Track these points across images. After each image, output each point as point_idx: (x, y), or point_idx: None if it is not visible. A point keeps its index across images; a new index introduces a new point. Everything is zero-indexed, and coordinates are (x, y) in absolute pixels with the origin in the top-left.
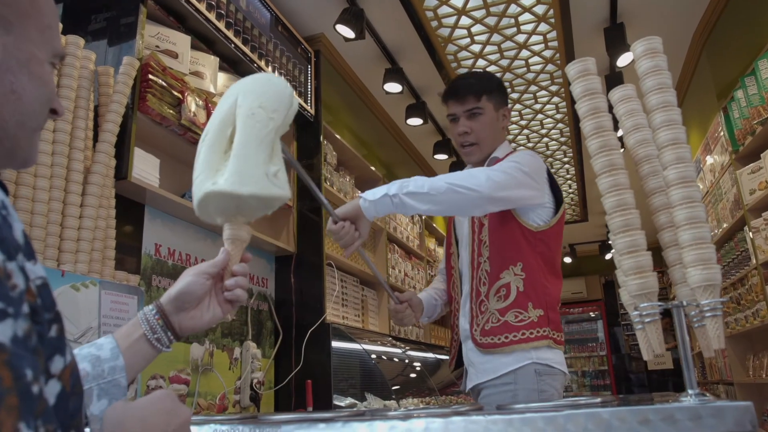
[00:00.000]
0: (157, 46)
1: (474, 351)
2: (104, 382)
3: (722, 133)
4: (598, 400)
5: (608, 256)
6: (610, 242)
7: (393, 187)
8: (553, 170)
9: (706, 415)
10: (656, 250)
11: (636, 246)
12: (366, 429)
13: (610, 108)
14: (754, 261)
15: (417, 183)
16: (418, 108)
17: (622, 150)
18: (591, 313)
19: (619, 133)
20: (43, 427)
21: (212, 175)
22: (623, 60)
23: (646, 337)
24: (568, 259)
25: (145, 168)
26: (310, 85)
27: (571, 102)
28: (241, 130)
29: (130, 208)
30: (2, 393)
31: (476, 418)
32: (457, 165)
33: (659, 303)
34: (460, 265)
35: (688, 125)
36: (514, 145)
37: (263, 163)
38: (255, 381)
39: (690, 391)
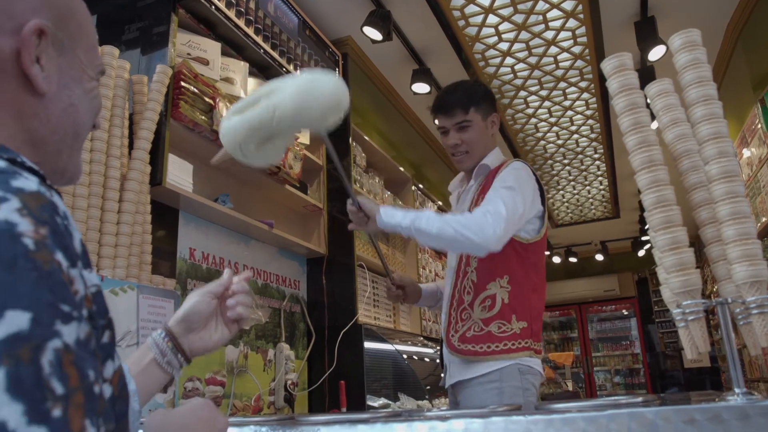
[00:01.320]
0: (189, 54)
1: (449, 354)
2: None
3: (759, 126)
4: (640, 399)
5: (641, 253)
6: (644, 238)
7: (407, 219)
8: (583, 167)
9: (755, 414)
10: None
11: (678, 243)
12: (405, 429)
13: (647, 104)
14: None
15: (428, 221)
16: None
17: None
18: (624, 311)
19: (654, 125)
20: (104, 426)
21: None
22: (655, 54)
23: (690, 335)
24: (599, 257)
25: (179, 174)
26: None
27: (602, 98)
28: None
29: (165, 213)
30: (70, 391)
31: (516, 419)
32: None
33: (703, 300)
34: (449, 265)
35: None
36: (504, 157)
37: None
38: (289, 382)
39: (737, 390)
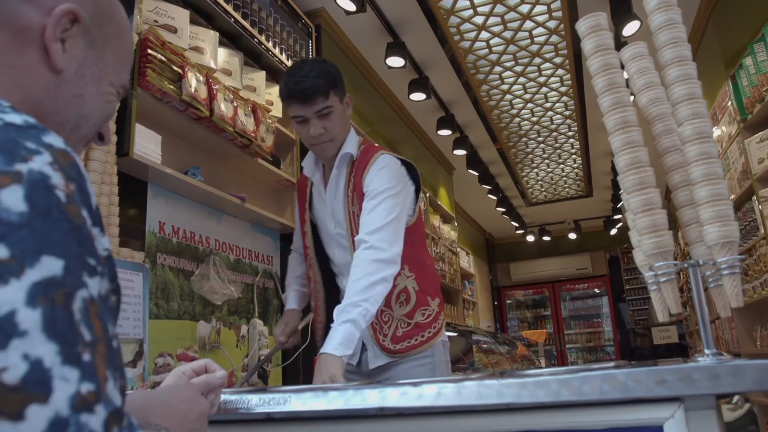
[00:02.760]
0: (156, 21)
1: (381, 353)
2: None
3: (730, 103)
4: (611, 364)
5: (613, 232)
6: (617, 217)
7: (356, 324)
8: (557, 145)
9: (725, 374)
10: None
11: (651, 204)
12: (377, 395)
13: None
14: (763, 231)
15: (371, 303)
16: (420, 83)
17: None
18: (596, 289)
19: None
20: (119, 380)
21: None
22: (629, 29)
23: (662, 297)
24: (572, 236)
25: (147, 144)
26: None
27: (576, 74)
28: None
29: (133, 186)
30: (95, 340)
31: (489, 383)
32: (460, 142)
33: (675, 262)
34: (335, 268)
35: None
36: (359, 137)
37: None
38: (262, 357)
39: (707, 351)
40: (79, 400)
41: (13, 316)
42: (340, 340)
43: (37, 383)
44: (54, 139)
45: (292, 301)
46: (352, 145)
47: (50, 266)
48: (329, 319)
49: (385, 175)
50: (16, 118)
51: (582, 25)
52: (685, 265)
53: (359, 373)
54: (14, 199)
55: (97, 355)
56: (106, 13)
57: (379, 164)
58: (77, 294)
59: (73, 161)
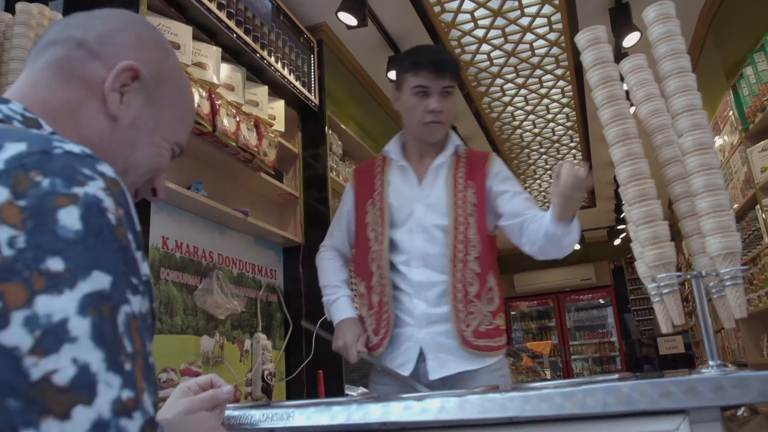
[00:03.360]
0: None
1: (458, 349)
2: None
3: (731, 113)
4: (616, 376)
5: (617, 242)
6: (620, 227)
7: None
8: (559, 156)
9: (729, 385)
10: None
11: (653, 216)
12: (381, 410)
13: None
14: (767, 240)
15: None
16: None
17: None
18: (600, 300)
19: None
20: (153, 394)
21: None
22: (629, 41)
23: (665, 308)
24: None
25: None
26: (314, 74)
27: (577, 86)
28: None
29: (135, 201)
30: (135, 353)
31: (492, 396)
32: None
33: (678, 273)
34: (413, 249)
35: None
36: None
37: None
38: (266, 372)
39: (711, 362)
40: (120, 405)
41: (66, 323)
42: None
43: (83, 386)
44: (107, 169)
45: (347, 308)
46: (458, 140)
47: (100, 281)
48: (394, 322)
49: (509, 170)
50: (75, 148)
51: (581, 39)
52: (688, 276)
53: (415, 385)
54: (71, 218)
55: (137, 367)
56: (166, 74)
57: (499, 159)
58: (122, 308)
59: (122, 189)
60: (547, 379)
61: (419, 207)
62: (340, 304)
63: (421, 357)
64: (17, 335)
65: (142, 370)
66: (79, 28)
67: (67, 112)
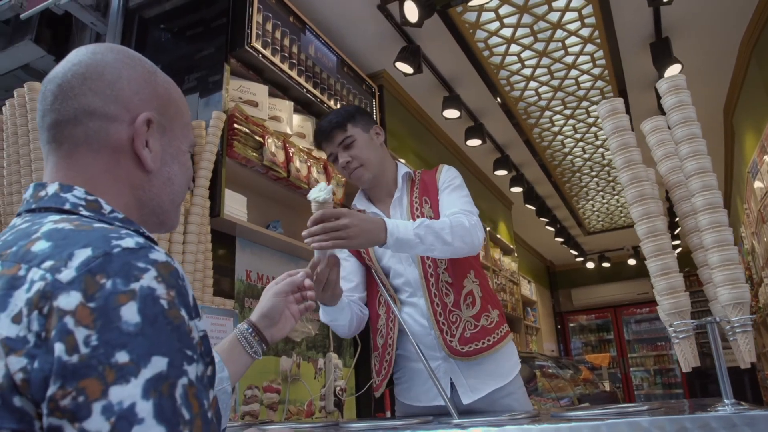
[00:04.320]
0: (240, 97)
1: (454, 364)
2: (216, 390)
3: None
4: (645, 407)
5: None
6: (675, 243)
7: (414, 225)
8: (610, 178)
9: (741, 423)
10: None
11: (668, 268)
12: None
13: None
14: None
15: (439, 224)
16: (476, 130)
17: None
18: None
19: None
20: None
21: None
22: (671, 72)
23: (682, 350)
24: (632, 261)
25: (235, 205)
26: (376, 116)
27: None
28: None
29: (224, 241)
30: (193, 417)
31: (528, 427)
32: (516, 180)
33: (692, 321)
34: (398, 282)
35: (742, 128)
36: (401, 161)
37: None
38: (338, 388)
39: (726, 401)
40: None
41: (134, 407)
42: (403, 224)
43: None
44: (158, 255)
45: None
46: (406, 169)
47: (158, 364)
48: (400, 364)
49: (456, 174)
50: (130, 242)
51: (602, 109)
52: (703, 322)
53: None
54: (131, 313)
55: (195, 428)
56: (165, 99)
57: (448, 168)
58: (178, 383)
59: (173, 269)
60: (606, 391)
61: None
62: None
63: (453, 386)
64: (98, 423)
65: (200, 429)
66: (79, 96)
67: (110, 181)
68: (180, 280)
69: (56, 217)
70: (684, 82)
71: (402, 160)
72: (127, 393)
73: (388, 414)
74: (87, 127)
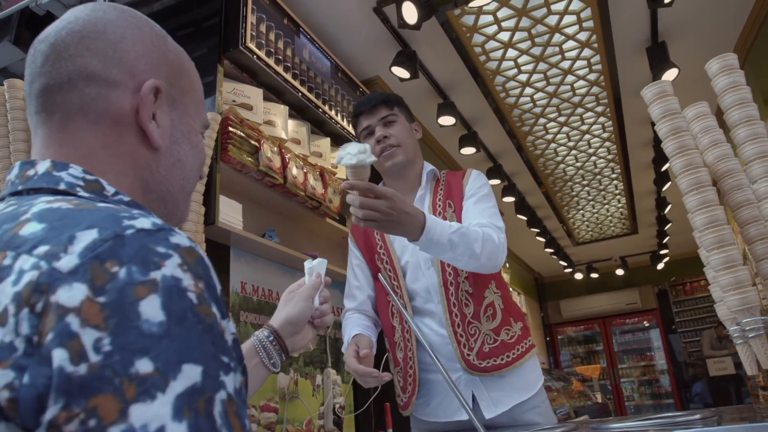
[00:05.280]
0: (234, 101)
1: (477, 377)
2: None
3: None
4: (697, 416)
5: (660, 266)
6: (663, 252)
7: (449, 227)
8: (601, 187)
9: None
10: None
11: (733, 261)
12: None
13: None
14: None
15: (471, 230)
16: (470, 138)
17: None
18: (646, 323)
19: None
20: None
21: None
22: (668, 77)
23: (750, 351)
24: (620, 272)
25: (230, 213)
26: None
27: (617, 121)
28: None
29: (218, 250)
30: None
31: None
32: (508, 190)
33: (763, 318)
34: (414, 286)
35: None
36: (432, 166)
37: None
38: (337, 406)
39: None
40: None
41: (163, 431)
42: (441, 224)
43: None
44: (180, 239)
45: (356, 330)
46: (431, 167)
47: (191, 374)
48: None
49: (486, 183)
50: (146, 223)
51: (647, 93)
52: None
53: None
54: (153, 309)
55: None
56: (176, 67)
57: (478, 174)
58: (216, 398)
59: (199, 257)
60: (598, 402)
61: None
62: (349, 336)
63: (475, 400)
64: None
65: None
66: (75, 57)
67: (111, 158)
68: (208, 270)
69: (50, 197)
70: (736, 61)
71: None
72: (154, 413)
73: (390, 431)
74: (83, 92)
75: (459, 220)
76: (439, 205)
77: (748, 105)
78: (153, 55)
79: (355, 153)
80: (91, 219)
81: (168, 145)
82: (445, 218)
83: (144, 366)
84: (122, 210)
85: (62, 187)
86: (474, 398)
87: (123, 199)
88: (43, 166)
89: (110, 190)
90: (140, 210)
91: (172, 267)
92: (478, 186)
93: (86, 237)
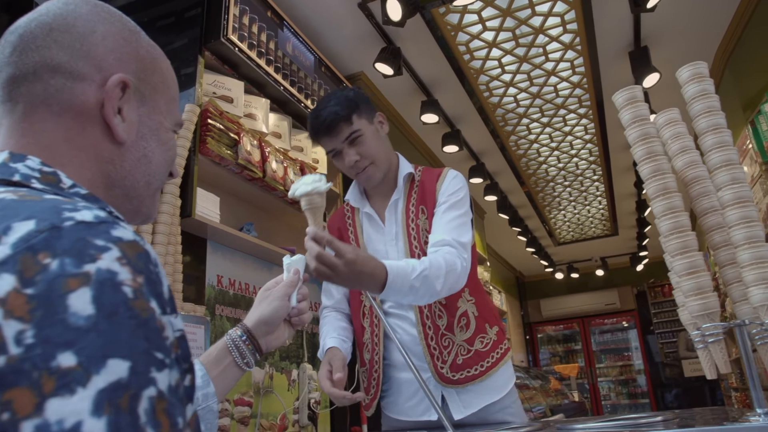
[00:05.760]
0: (214, 93)
1: (445, 388)
2: (200, 409)
3: (750, 146)
4: (659, 418)
5: (639, 268)
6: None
7: (412, 275)
8: (583, 188)
9: None
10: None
11: (695, 267)
12: None
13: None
14: None
15: (435, 271)
16: (453, 136)
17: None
18: (624, 323)
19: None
20: None
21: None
22: (649, 81)
23: (710, 356)
24: (600, 272)
25: (207, 206)
26: None
27: (599, 123)
28: None
29: (194, 243)
30: None
31: None
32: (491, 188)
33: (722, 323)
34: (388, 308)
35: None
36: (400, 155)
37: None
38: (312, 401)
39: (759, 410)
40: None
41: (79, 427)
42: (402, 275)
43: None
44: (123, 232)
45: (331, 341)
46: (408, 166)
47: (116, 369)
48: (387, 375)
49: (460, 189)
50: (87, 215)
51: (619, 98)
52: (732, 325)
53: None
54: (82, 302)
55: None
56: (148, 64)
57: (452, 176)
58: (143, 394)
59: (142, 251)
60: (575, 401)
61: (391, 250)
62: (324, 342)
63: (444, 401)
64: None
65: None
66: (42, 48)
67: (72, 151)
68: (151, 264)
69: (0, 189)
70: (707, 69)
71: None
72: (72, 408)
73: (365, 428)
74: (48, 84)
75: (431, 226)
76: (412, 212)
77: (716, 113)
78: (123, 50)
79: (309, 182)
80: (31, 210)
81: (134, 140)
82: (417, 226)
83: (66, 360)
84: (67, 202)
85: (16, 178)
86: (444, 399)
87: (79, 192)
88: (0, 157)
89: (67, 182)
90: (96, 203)
91: (109, 260)
92: (451, 191)
93: (22, 228)
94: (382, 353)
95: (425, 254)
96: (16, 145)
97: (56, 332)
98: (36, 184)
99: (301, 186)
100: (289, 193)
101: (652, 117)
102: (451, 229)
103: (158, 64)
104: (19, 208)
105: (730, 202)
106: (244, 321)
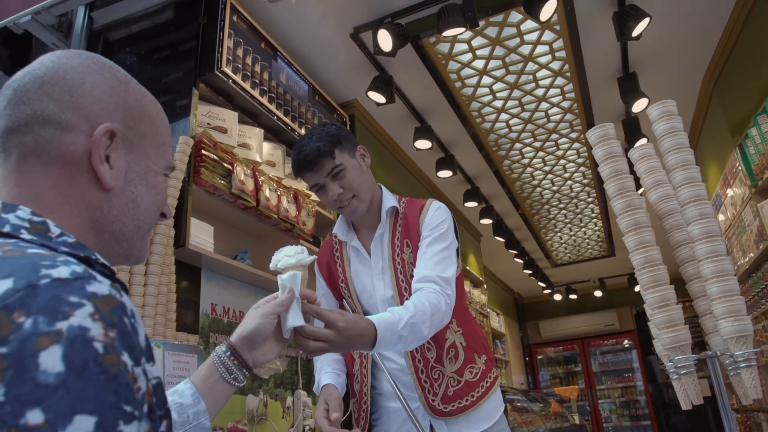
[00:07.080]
0: (209, 123)
1: (434, 419)
2: (191, 427)
3: (740, 168)
4: None
5: (638, 288)
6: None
7: (399, 327)
8: (578, 210)
9: None
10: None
11: (666, 300)
12: None
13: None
14: None
15: (420, 321)
16: (447, 161)
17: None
18: (625, 343)
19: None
20: None
21: None
22: (638, 106)
23: (683, 387)
24: (598, 293)
25: (201, 235)
26: None
27: (591, 147)
28: None
29: (189, 272)
30: None
31: None
32: (486, 212)
33: (694, 355)
34: None
35: (705, 161)
36: (395, 195)
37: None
38: (307, 428)
39: None
40: None
41: None
42: (391, 327)
43: None
44: (98, 287)
45: (327, 378)
46: (391, 199)
47: (82, 425)
48: (376, 404)
49: (444, 222)
50: (64, 272)
51: (592, 135)
52: (703, 356)
53: None
54: (52, 360)
55: None
56: (136, 112)
57: (435, 208)
58: None
59: (117, 304)
60: (576, 424)
61: (378, 284)
62: (320, 378)
63: (432, 429)
64: None
65: None
66: (33, 101)
67: (61, 199)
68: (126, 316)
69: None
70: (675, 107)
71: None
72: None
73: None
74: (38, 135)
75: (416, 259)
76: (398, 246)
77: (684, 150)
78: (111, 100)
79: (292, 254)
80: (11, 268)
81: (121, 186)
82: (403, 260)
83: (34, 417)
84: (48, 257)
85: (6, 229)
86: (432, 428)
87: (67, 240)
88: None
89: (55, 231)
90: (80, 252)
91: (81, 317)
92: (434, 225)
93: (1, 286)
94: (370, 383)
95: (410, 286)
96: (8, 195)
97: (26, 390)
98: (25, 235)
99: (283, 259)
100: (271, 265)
101: (642, 141)
102: (434, 264)
103: (147, 111)
104: (0, 266)
105: (699, 236)
106: (229, 337)
